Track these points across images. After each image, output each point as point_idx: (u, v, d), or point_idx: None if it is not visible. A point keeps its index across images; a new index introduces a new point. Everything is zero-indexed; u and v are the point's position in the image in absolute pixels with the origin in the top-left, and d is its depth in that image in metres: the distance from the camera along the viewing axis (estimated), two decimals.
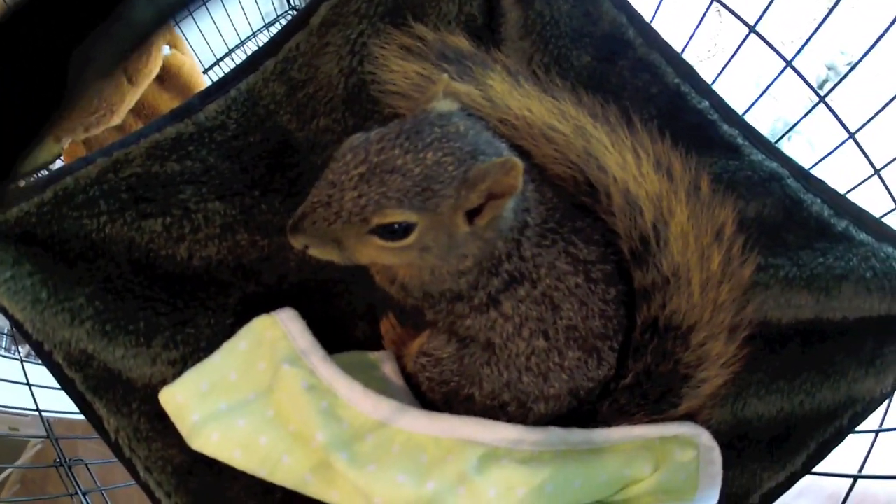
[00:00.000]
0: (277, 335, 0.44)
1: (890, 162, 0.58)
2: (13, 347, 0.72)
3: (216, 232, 0.47)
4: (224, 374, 0.44)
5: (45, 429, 0.66)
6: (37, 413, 0.66)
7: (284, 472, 0.42)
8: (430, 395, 0.46)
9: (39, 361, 0.49)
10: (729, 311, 0.44)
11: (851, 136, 0.60)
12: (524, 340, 0.42)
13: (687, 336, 0.43)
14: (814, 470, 0.51)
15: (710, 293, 0.43)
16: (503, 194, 0.36)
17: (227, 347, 0.45)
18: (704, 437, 0.46)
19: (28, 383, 0.67)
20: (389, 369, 0.48)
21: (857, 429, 0.50)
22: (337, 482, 0.41)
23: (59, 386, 0.49)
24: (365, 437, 0.41)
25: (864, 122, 0.58)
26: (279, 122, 0.47)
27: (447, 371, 0.44)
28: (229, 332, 0.46)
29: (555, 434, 0.42)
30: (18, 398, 0.68)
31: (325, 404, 0.42)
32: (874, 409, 0.50)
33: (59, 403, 0.61)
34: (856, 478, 0.52)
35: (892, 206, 0.57)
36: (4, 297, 0.45)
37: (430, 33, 0.46)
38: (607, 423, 0.44)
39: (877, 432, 0.54)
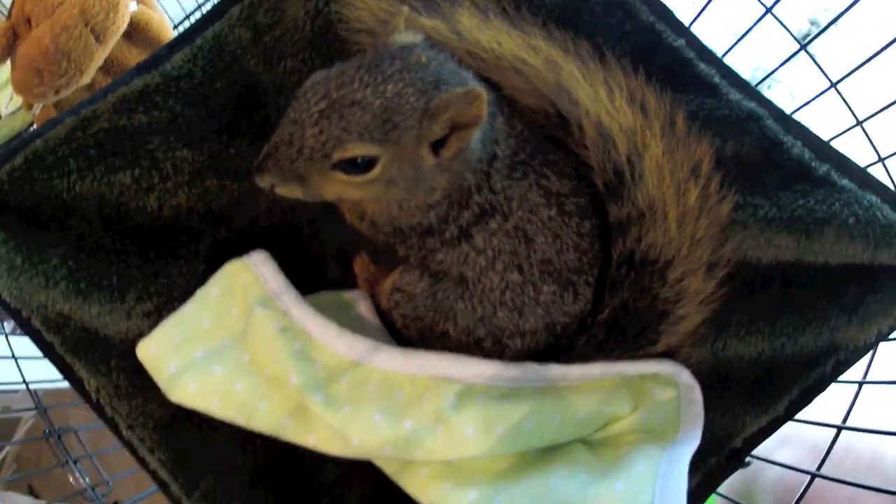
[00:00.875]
0: (249, 279, 0.44)
1: (874, 114, 0.58)
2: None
3: (185, 179, 0.46)
4: (198, 322, 0.44)
5: (34, 400, 0.66)
6: (24, 386, 0.65)
7: (261, 419, 0.42)
8: (404, 332, 0.45)
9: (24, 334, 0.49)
10: (707, 248, 0.44)
11: (833, 85, 0.60)
12: (498, 274, 0.41)
13: (664, 271, 0.43)
14: (797, 417, 0.51)
15: (688, 228, 0.43)
16: (468, 125, 0.36)
17: (200, 295, 0.45)
18: (685, 376, 0.45)
19: (14, 356, 0.67)
20: (364, 308, 0.47)
21: (841, 379, 0.50)
22: (314, 425, 0.41)
23: (41, 354, 0.49)
24: (340, 377, 0.41)
25: (847, 72, 0.58)
26: (246, 67, 0.47)
27: (421, 307, 0.44)
28: (202, 280, 0.46)
29: (532, 370, 0.42)
30: (6, 375, 0.68)
31: (299, 346, 0.41)
32: (858, 359, 0.50)
33: (46, 374, 0.61)
34: (839, 428, 0.53)
35: (875, 159, 0.57)
36: None
37: None
38: (585, 360, 0.43)
39: (860, 384, 0.54)
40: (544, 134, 0.43)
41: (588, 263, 0.43)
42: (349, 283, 0.51)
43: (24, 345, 0.58)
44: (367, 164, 0.36)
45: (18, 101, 0.79)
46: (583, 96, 0.42)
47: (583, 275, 0.43)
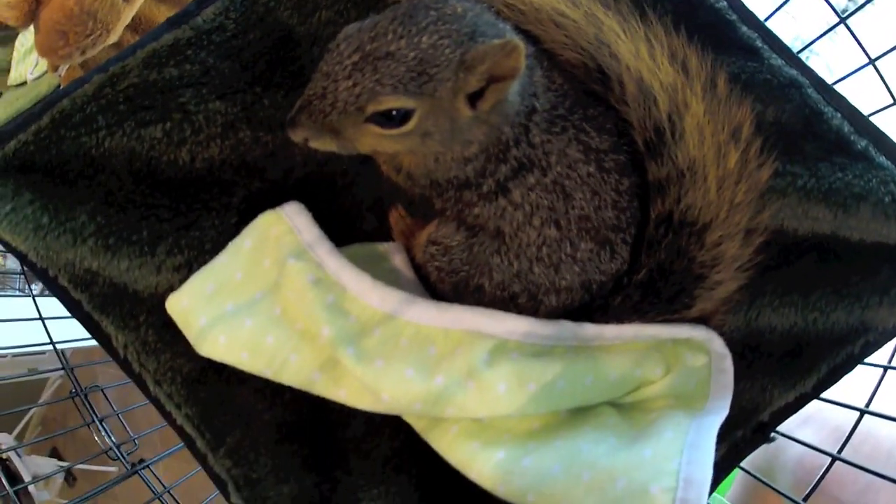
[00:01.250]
0: (283, 230, 0.44)
1: None
2: (27, 287, 0.72)
3: (218, 132, 0.46)
4: (229, 274, 0.44)
5: (61, 360, 0.66)
6: (51, 347, 0.66)
7: (292, 372, 0.42)
8: (439, 285, 0.45)
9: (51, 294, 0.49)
10: (745, 213, 0.43)
11: (872, 62, 0.58)
12: (535, 229, 0.41)
13: (702, 234, 0.42)
14: (823, 396, 0.50)
15: (727, 192, 0.42)
16: (505, 77, 0.35)
17: (232, 247, 0.45)
18: (717, 344, 0.45)
19: (41, 317, 0.67)
20: (399, 260, 0.47)
21: (868, 361, 0.50)
22: (344, 380, 0.41)
23: (69, 314, 0.49)
24: (372, 330, 0.41)
25: (886, 50, 0.57)
26: (279, 18, 0.46)
27: (456, 260, 0.43)
28: (234, 232, 0.45)
29: (566, 328, 0.42)
30: (34, 337, 0.68)
31: (332, 298, 0.41)
32: (886, 341, 0.49)
33: (73, 333, 0.61)
34: (863, 412, 0.52)
35: None
36: (6, 232, 0.45)
37: None
38: (619, 320, 0.43)
39: (886, 368, 0.53)
40: (584, 89, 0.42)
41: (626, 221, 0.42)
42: (384, 235, 0.50)
43: (52, 305, 0.58)
44: (403, 116, 0.36)
45: (44, 66, 0.79)
46: (623, 51, 0.41)
47: (620, 233, 0.42)
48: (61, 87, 0.72)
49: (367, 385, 0.40)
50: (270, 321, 0.42)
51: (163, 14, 0.66)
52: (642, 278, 0.42)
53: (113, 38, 0.62)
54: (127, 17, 0.62)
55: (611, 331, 0.42)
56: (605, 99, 0.42)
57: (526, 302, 0.43)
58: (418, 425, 0.42)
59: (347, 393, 0.41)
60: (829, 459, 0.52)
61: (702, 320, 0.45)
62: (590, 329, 0.42)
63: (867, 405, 0.53)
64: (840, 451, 0.52)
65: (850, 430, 0.53)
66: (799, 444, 0.54)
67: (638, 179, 0.43)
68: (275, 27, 0.46)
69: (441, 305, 0.42)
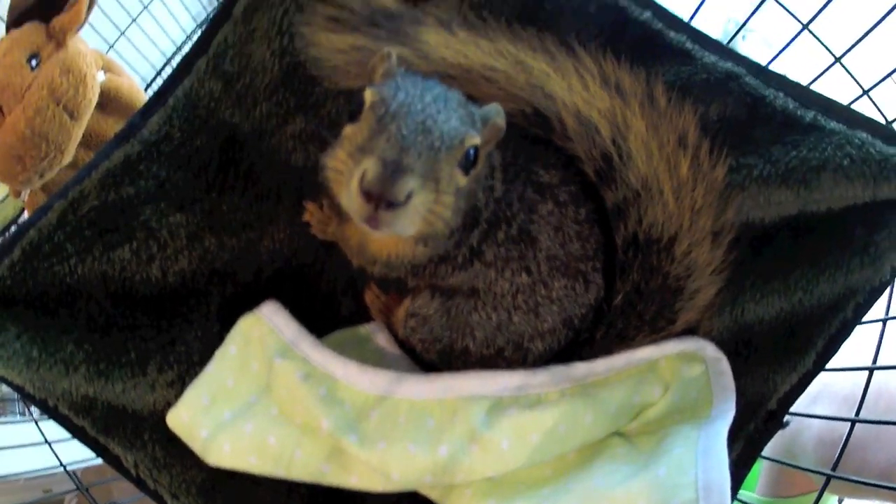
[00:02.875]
0: (264, 331, 0.44)
1: (850, 48, 0.57)
2: (26, 410, 0.72)
3: (183, 244, 0.46)
4: (221, 382, 0.44)
5: (74, 482, 0.66)
6: (62, 469, 0.66)
7: (300, 467, 0.42)
8: (426, 356, 0.45)
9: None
10: (708, 216, 0.44)
11: (805, 26, 0.59)
12: (507, 280, 0.41)
13: (670, 247, 0.42)
14: (828, 367, 0.50)
15: (685, 199, 0.43)
16: (490, 140, 0.37)
17: (219, 356, 0.45)
18: (709, 349, 0.45)
19: (47, 441, 0.67)
20: (382, 339, 0.47)
21: (865, 320, 0.49)
22: (353, 466, 0.41)
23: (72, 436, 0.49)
24: (369, 414, 0.41)
25: (817, 12, 0.57)
26: (222, 118, 0.47)
27: (437, 328, 0.44)
28: (218, 340, 0.46)
29: (557, 372, 0.42)
30: (43, 459, 0.68)
31: (324, 390, 0.41)
32: (877, 298, 0.49)
33: (82, 453, 0.61)
34: (871, 370, 0.52)
35: (860, 92, 0.56)
36: (0, 367, 0.45)
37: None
38: (608, 352, 0.43)
39: (884, 321, 0.53)
40: (524, 135, 0.43)
41: (592, 249, 0.43)
42: (363, 316, 0.51)
43: (56, 427, 0.58)
44: (475, 159, 0.35)
45: (5, 189, 0.80)
46: (556, 89, 0.41)
47: (589, 261, 0.43)
48: (25, 210, 0.73)
49: (374, 468, 0.40)
50: (269, 422, 0.42)
51: (111, 127, 0.67)
52: (621, 303, 0.43)
53: (67, 159, 0.63)
54: (77, 136, 0.63)
55: (601, 364, 0.43)
56: (550, 140, 0.43)
57: (513, 354, 0.43)
58: (433, 494, 0.42)
59: (359, 478, 0.41)
60: (846, 429, 0.52)
61: (689, 331, 0.45)
62: (580, 368, 0.42)
63: (874, 362, 0.53)
64: (857, 413, 0.52)
65: (859, 397, 0.53)
66: (816, 418, 0.54)
67: (594, 205, 0.43)
68: (219, 128, 0.47)
69: (430, 377, 0.42)
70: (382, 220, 0.32)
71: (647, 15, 0.48)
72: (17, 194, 0.72)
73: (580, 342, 0.44)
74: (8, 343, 0.44)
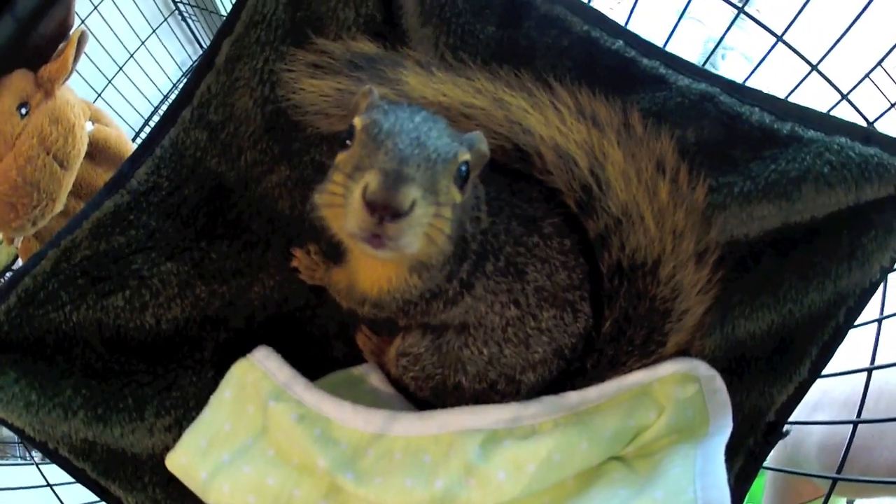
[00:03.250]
0: (258, 376, 0.45)
1: (826, 54, 0.58)
2: (27, 455, 0.72)
3: (175, 292, 0.47)
4: (218, 426, 0.44)
5: None
6: None
7: None
8: (419, 394, 0.46)
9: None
10: (691, 238, 0.44)
11: (779, 38, 0.60)
12: (497, 314, 0.42)
13: (655, 271, 0.43)
14: (824, 374, 0.50)
15: (667, 223, 0.43)
16: (476, 166, 0.38)
17: (215, 400, 0.46)
18: (702, 368, 0.45)
19: (49, 484, 0.67)
20: (376, 380, 0.48)
21: (859, 322, 0.49)
22: (351, 503, 0.41)
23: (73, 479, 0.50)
24: (365, 452, 0.41)
25: (790, 22, 0.58)
26: (209, 167, 0.48)
27: (428, 365, 0.44)
28: (213, 385, 0.46)
29: (550, 402, 0.42)
30: (45, 502, 0.68)
31: (319, 431, 0.42)
32: (867, 301, 0.49)
33: (84, 495, 0.61)
34: (870, 370, 0.52)
35: (838, 98, 0.57)
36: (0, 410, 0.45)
37: (334, 45, 0.47)
38: (600, 379, 0.44)
39: (879, 321, 0.53)
40: (506, 170, 0.44)
41: (578, 278, 0.43)
42: (356, 358, 0.51)
43: (58, 470, 0.58)
44: (467, 177, 0.36)
45: None
46: (534, 124, 0.42)
47: (577, 291, 0.43)
48: (19, 257, 0.73)
49: (372, 503, 0.40)
50: (267, 463, 0.43)
51: (101, 176, 0.68)
52: (610, 330, 0.43)
53: (59, 207, 0.64)
54: (68, 184, 0.64)
55: (593, 392, 0.43)
56: (529, 174, 0.44)
57: (505, 387, 0.43)
58: None
59: None
60: (849, 433, 0.51)
61: (681, 352, 0.45)
62: (573, 397, 0.43)
63: (871, 362, 0.52)
64: (858, 415, 0.51)
65: (859, 400, 0.53)
66: (818, 425, 0.54)
67: (577, 236, 0.44)
68: (206, 177, 0.48)
69: (424, 415, 0.42)
70: (387, 235, 0.31)
71: (619, 44, 0.48)
72: (11, 241, 0.72)
73: (572, 371, 0.44)
74: (7, 387, 0.45)
